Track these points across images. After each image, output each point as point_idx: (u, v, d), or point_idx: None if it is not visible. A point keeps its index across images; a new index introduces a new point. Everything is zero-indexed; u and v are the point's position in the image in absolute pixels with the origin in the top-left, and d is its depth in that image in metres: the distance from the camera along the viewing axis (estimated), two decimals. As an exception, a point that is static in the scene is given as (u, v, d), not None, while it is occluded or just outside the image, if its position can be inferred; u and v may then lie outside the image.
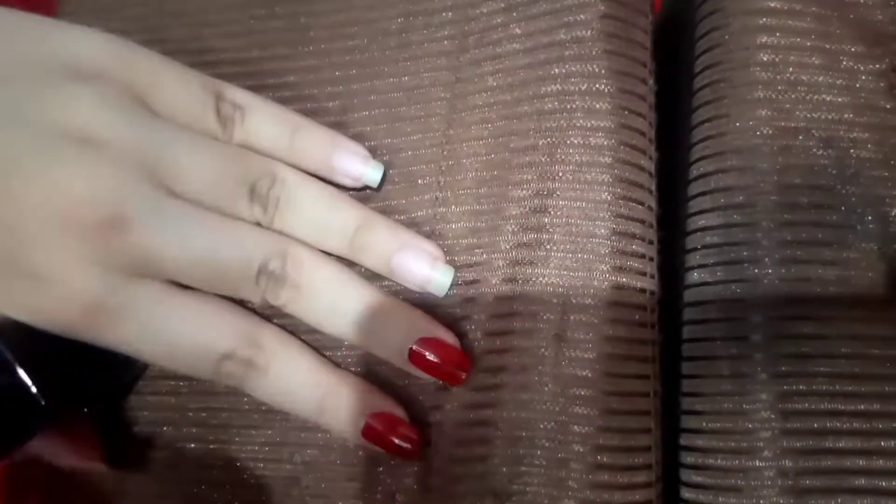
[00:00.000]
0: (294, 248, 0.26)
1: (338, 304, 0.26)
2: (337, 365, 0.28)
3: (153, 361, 0.25)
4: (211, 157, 0.25)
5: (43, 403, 0.24)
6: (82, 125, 0.23)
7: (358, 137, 0.29)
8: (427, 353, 0.26)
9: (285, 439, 0.28)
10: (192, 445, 0.29)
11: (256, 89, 0.30)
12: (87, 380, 0.27)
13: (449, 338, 0.26)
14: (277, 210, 0.26)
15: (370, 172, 0.28)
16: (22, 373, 0.24)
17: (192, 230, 0.24)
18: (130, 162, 0.24)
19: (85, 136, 0.23)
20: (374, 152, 0.29)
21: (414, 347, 0.26)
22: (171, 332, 0.25)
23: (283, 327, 0.27)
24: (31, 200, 0.23)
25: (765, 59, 0.27)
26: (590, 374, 0.26)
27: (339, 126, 0.30)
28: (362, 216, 0.27)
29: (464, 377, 0.26)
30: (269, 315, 0.28)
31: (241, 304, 0.27)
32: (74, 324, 0.24)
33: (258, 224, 0.26)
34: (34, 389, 0.24)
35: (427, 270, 0.27)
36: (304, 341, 0.28)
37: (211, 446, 0.28)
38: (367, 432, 0.26)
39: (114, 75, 0.25)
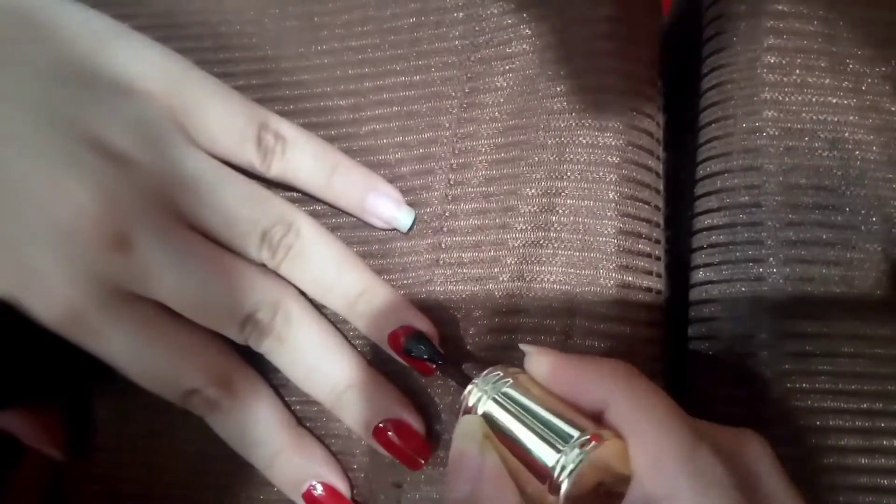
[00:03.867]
0: (288, 302, 0.26)
1: (316, 368, 0.26)
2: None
3: (127, 376, 0.26)
4: (231, 195, 0.26)
5: None
6: (114, 140, 0.24)
7: (369, 135, 0.30)
8: (390, 434, 0.26)
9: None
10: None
11: (270, 87, 0.31)
12: (45, 373, 0.27)
13: (416, 423, 0.26)
14: (286, 258, 0.26)
15: (401, 217, 0.28)
16: None
17: (191, 264, 0.25)
18: (151, 185, 0.24)
19: (113, 152, 0.24)
20: (385, 150, 0.30)
21: (379, 425, 0.26)
22: (149, 356, 0.25)
23: None
24: (46, 201, 0.23)
25: (772, 61, 0.27)
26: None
27: (352, 124, 0.30)
28: (368, 282, 0.27)
29: (423, 464, 0.26)
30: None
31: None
32: (57, 324, 0.24)
33: (263, 266, 0.26)
34: None
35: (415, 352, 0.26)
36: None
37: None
38: (308, 496, 0.26)
39: (160, 97, 0.26)
